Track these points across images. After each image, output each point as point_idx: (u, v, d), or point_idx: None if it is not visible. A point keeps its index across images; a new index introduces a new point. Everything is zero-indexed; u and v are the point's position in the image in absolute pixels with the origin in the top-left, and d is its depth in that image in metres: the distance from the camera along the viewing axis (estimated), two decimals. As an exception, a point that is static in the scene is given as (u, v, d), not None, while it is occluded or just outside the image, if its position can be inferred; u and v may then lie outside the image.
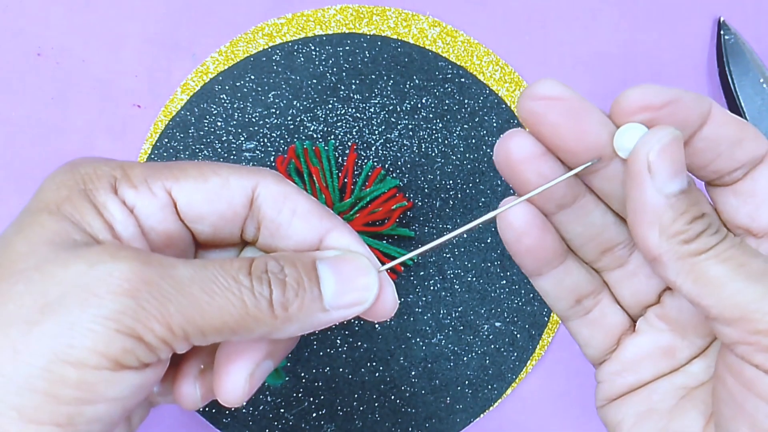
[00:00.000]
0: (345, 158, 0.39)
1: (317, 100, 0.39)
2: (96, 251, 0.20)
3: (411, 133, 0.39)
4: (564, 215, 0.24)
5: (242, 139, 0.38)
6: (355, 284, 0.22)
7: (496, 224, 0.24)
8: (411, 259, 0.38)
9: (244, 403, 0.37)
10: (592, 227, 0.24)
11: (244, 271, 0.21)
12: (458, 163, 0.39)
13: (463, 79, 0.39)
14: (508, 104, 0.39)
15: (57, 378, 0.19)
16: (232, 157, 0.38)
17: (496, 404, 0.39)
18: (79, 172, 0.22)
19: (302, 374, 0.38)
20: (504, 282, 0.39)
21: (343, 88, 0.39)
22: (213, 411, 0.37)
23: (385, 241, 0.38)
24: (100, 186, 0.22)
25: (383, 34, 0.39)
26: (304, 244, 0.23)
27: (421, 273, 0.39)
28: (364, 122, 0.39)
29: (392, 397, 0.38)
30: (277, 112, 0.39)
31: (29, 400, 0.19)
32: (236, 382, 0.23)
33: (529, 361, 0.39)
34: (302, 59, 0.39)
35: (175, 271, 0.20)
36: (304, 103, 0.39)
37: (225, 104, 0.38)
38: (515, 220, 0.24)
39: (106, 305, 0.19)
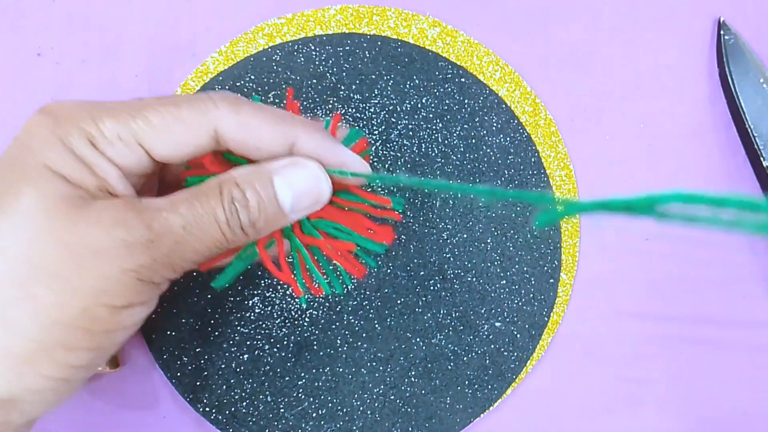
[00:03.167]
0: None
1: (317, 100, 0.39)
2: (109, 212, 0.24)
3: (411, 133, 0.39)
4: None
5: (242, 139, 0.38)
6: (309, 188, 0.27)
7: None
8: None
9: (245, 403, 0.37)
10: None
11: (219, 207, 0.25)
12: (458, 163, 0.39)
13: (463, 79, 0.39)
14: (508, 104, 0.39)
15: (93, 317, 0.24)
16: (232, 157, 0.38)
17: (496, 404, 0.39)
18: (62, 129, 0.25)
19: (302, 374, 0.38)
20: (504, 282, 0.39)
21: (343, 88, 0.39)
22: (213, 411, 0.37)
23: None
24: (82, 143, 0.25)
25: (383, 34, 0.39)
26: (275, 155, 0.27)
27: (421, 273, 0.39)
28: (364, 122, 0.39)
29: (392, 397, 0.38)
30: (277, 112, 0.39)
31: (72, 335, 0.24)
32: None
33: (528, 361, 0.39)
34: (302, 59, 0.39)
35: (170, 223, 0.25)
36: (304, 103, 0.39)
37: (225, 104, 0.38)
38: None
39: (130, 260, 0.24)
